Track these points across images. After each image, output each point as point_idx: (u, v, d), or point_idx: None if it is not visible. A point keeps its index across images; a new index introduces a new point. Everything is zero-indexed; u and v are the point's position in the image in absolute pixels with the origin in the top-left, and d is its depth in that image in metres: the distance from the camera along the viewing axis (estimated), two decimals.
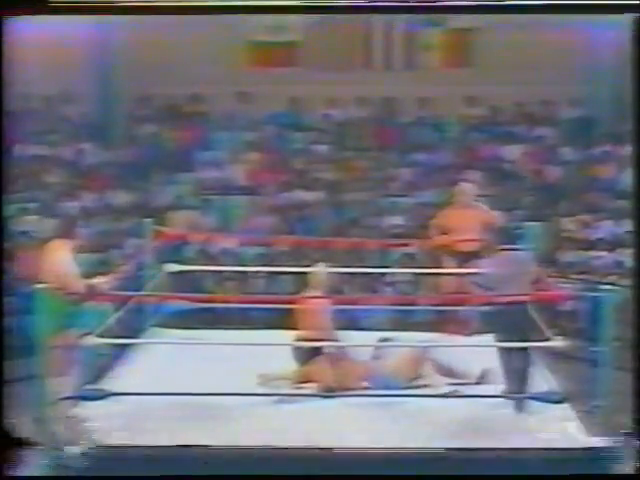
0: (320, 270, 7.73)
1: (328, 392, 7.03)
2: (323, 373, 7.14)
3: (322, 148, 14.27)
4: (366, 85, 14.16)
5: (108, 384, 7.01)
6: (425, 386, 7.27)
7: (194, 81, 13.77)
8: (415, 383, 7.30)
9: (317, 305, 7.35)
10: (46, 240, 7.32)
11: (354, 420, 6.54)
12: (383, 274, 11.13)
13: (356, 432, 6.34)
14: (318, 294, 7.47)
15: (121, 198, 13.31)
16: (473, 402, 6.86)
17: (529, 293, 6.91)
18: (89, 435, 6.24)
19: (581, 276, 11.07)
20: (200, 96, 14.29)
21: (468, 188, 8.73)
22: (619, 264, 11.61)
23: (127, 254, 11.44)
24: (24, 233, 11.61)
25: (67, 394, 6.59)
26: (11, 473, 5.84)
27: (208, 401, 6.72)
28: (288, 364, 7.42)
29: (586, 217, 12.71)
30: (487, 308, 7.17)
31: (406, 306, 9.45)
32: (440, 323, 8.72)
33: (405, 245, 10.65)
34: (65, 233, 7.21)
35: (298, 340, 7.39)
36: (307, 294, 7.55)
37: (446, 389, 7.11)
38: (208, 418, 6.54)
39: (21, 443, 6.05)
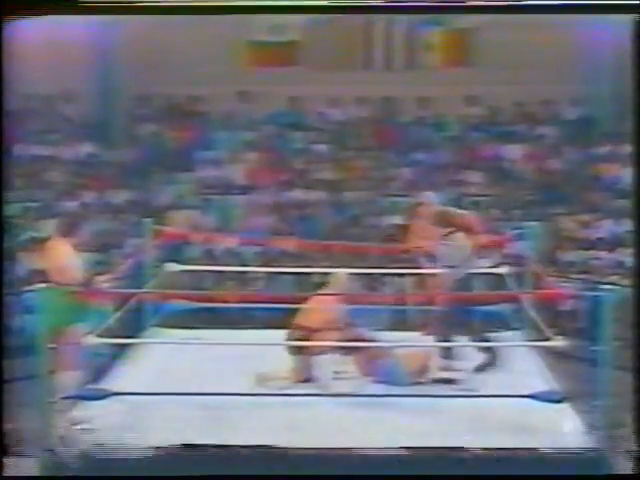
0: (340, 273, 7.82)
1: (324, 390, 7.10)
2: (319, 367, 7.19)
3: (322, 148, 14.29)
4: (366, 85, 14.17)
5: (108, 384, 7.01)
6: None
7: (194, 81, 13.78)
8: (420, 379, 7.31)
9: (327, 303, 7.44)
10: (47, 239, 7.33)
11: (354, 420, 6.55)
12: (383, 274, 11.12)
13: (356, 432, 6.36)
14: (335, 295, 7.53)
15: (121, 197, 13.32)
16: (472, 402, 6.86)
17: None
18: (89, 435, 6.24)
19: (581, 276, 11.08)
20: (200, 96, 14.30)
21: (430, 197, 9.08)
22: (619, 264, 11.62)
23: (127, 254, 11.44)
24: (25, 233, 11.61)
25: (67, 394, 6.59)
26: (10, 473, 5.85)
27: (209, 401, 6.72)
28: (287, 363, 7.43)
29: (586, 217, 12.72)
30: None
31: (402, 305, 9.44)
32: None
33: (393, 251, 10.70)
34: (66, 232, 7.25)
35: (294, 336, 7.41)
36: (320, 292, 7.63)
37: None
38: (209, 418, 6.54)
39: (20, 443, 6.06)
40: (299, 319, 7.48)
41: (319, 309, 7.45)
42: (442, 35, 14.26)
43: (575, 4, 6.76)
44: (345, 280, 7.77)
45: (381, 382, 7.18)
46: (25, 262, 10.54)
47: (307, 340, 7.22)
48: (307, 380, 7.28)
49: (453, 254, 7.62)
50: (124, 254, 11.57)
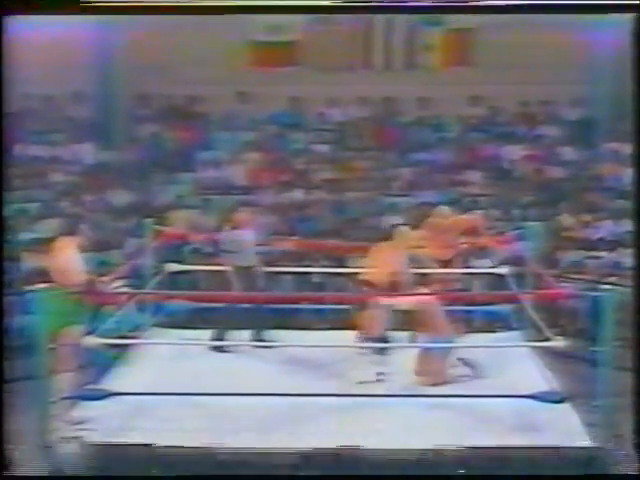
0: (402, 229, 8.13)
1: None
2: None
3: (322, 148, 14.29)
4: (366, 85, 14.17)
5: (108, 384, 7.01)
6: None
7: (194, 81, 13.78)
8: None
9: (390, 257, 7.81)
10: (50, 239, 7.35)
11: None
12: None
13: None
14: (397, 251, 7.87)
15: (121, 198, 13.31)
16: (472, 401, 6.86)
17: None
18: (88, 435, 6.24)
19: (581, 276, 11.07)
20: (200, 96, 14.29)
21: (445, 212, 9.42)
22: (619, 264, 11.61)
23: (127, 254, 11.44)
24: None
25: (67, 394, 6.59)
26: (10, 473, 5.84)
27: (209, 401, 6.72)
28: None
29: (586, 217, 12.70)
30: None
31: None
32: None
33: None
34: (70, 231, 7.27)
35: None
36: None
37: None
38: (210, 417, 6.54)
39: (20, 443, 6.06)
40: (364, 275, 7.83)
41: (382, 264, 7.75)
42: (442, 35, 14.25)
43: (575, 4, 6.75)
44: (407, 234, 8.08)
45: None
46: (26, 262, 10.58)
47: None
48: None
49: (235, 243, 8.36)
50: (124, 254, 11.58)
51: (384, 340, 7.75)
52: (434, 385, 7.19)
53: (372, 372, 7.31)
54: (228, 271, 8.44)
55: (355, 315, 8.02)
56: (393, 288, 7.67)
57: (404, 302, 7.54)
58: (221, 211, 11.68)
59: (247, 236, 8.55)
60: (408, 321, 7.74)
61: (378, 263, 7.88)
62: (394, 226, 8.26)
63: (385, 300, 7.57)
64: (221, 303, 8.63)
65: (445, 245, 9.03)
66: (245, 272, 8.38)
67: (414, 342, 7.72)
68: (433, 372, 7.27)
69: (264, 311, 8.35)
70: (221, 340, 8.09)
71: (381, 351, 7.62)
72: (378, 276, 7.78)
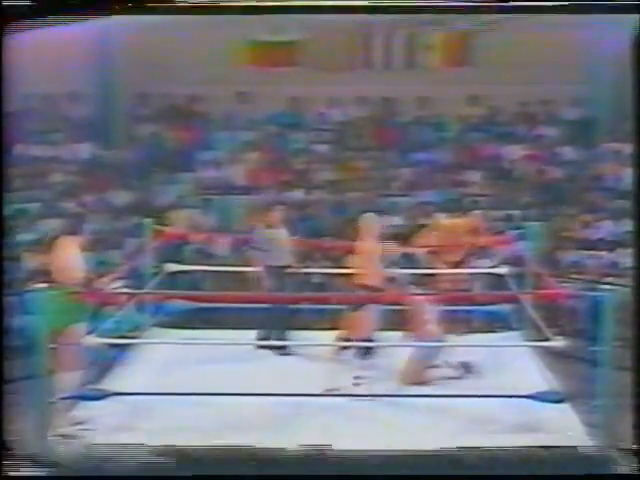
0: (370, 218, 8.12)
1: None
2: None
3: (322, 148, 14.29)
4: (366, 85, 14.17)
5: (108, 384, 7.01)
6: None
7: (194, 81, 13.78)
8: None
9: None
10: (51, 239, 7.36)
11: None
12: None
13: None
14: (370, 241, 7.90)
15: (121, 198, 13.31)
16: (471, 401, 6.87)
17: None
18: (88, 435, 6.24)
19: (581, 276, 11.07)
20: (200, 96, 14.29)
21: (442, 218, 9.80)
22: (619, 264, 11.61)
23: (127, 254, 11.44)
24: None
25: (67, 394, 6.59)
26: (10, 473, 5.84)
27: (210, 401, 6.72)
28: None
29: (586, 217, 12.71)
30: None
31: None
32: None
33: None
34: (72, 230, 7.29)
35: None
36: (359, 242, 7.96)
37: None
38: (209, 417, 6.54)
39: (20, 443, 6.06)
40: (356, 279, 7.87)
41: (362, 260, 7.81)
42: (442, 35, 14.24)
43: (575, 4, 6.75)
44: (375, 222, 8.08)
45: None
46: (27, 262, 10.58)
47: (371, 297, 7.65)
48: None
49: (270, 242, 8.28)
50: (124, 254, 11.58)
51: (369, 342, 7.74)
52: (414, 385, 7.17)
53: (350, 376, 7.32)
54: (259, 271, 8.36)
55: (344, 316, 8.00)
56: (379, 283, 7.65)
57: (393, 300, 7.54)
58: (254, 210, 11.64)
59: (282, 234, 8.48)
60: (398, 320, 7.76)
61: (359, 261, 7.86)
62: (362, 217, 8.20)
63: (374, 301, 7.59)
64: (220, 303, 8.64)
65: (454, 247, 9.07)
66: (279, 271, 8.31)
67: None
68: (413, 372, 7.26)
69: (281, 311, 8.27)
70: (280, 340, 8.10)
71: (365, 354, 7.65)
72: (364, 276, 7.75)
